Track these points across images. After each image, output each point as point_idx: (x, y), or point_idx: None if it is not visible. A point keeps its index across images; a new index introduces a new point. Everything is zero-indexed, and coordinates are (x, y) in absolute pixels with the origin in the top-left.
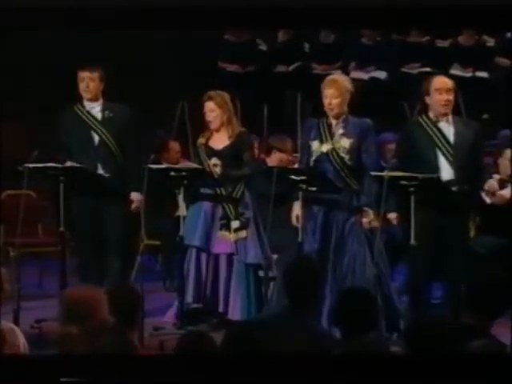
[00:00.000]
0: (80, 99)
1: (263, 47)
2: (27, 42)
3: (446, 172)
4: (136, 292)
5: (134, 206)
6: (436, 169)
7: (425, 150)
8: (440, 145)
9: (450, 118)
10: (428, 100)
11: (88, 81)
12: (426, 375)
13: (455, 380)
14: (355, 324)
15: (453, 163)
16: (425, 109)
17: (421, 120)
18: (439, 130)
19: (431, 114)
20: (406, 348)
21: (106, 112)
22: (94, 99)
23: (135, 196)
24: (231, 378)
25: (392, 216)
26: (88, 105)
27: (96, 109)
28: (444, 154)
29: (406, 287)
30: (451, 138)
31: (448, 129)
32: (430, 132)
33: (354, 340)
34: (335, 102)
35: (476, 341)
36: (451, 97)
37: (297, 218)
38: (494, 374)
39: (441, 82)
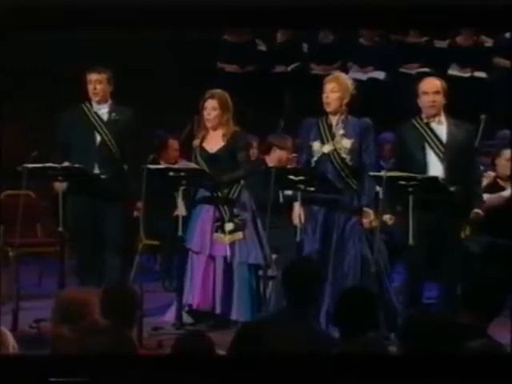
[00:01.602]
0: (89, 99)
1: (262, 47)
2: (27, 42)
3: (439, 172)
4: (134, 291)
5: (137, 213)
6: (428, 169)
7: (418, 151)
8: (432, 144)
9: (443, 118)
10: (419, 102)
11: (95, 83)
12: (424, 375)
13: (453, 380)
14: (354, 324)
15: (445, 163)
16: (418, 110)
17: (414, 122)
18: (432, 130)
19: (423, 116)
20: (401, 348)
21: (113, 114)
22: (102, 101)
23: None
24: (230, 379)
25: (386, 217)
26: (96, 106)
27: (103, 110)
28: (437, 154)
29: (403, 287)
30: (443, 138)
31: (440, 129)
32: (423, 133)
33: (352, 340)
34: (332, 96)
35: (474, 341)
36: (438, 98)
37: (299, 217)
38: (491, 374)
39: (427, 84)
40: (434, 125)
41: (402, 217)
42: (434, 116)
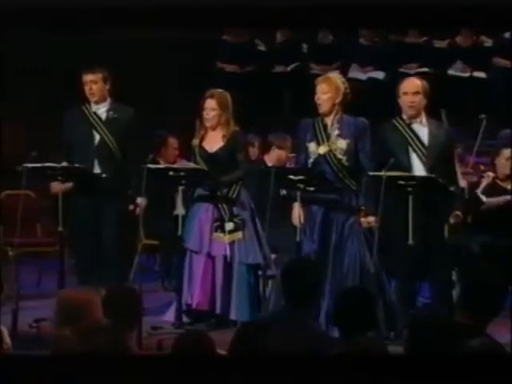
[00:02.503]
0: (88, 100)
1: (262, 47)
2: (27, 42)
3: (420, 172)
4: (135, 293)
5: (139, 210)
6: (413, 171)
7: (401, 153)
8: (414, 146)
9: (424, 119)
10: (399, 102)
11: (91, 84)
12: (424, 375)
13: (453, 379)
14: (354, 324)
15: (426, 164)
16: (399, 111)
17: (395, 122)
18: (413, 131)
19: (404, 116)
20: (406, 348)
21: (111, 113)
22: (99, 101)
23: (140, 201)
24: (229, 378)
25: (371, 219)
26: (95, 106)
27: (102, 109)
28: (418, 156)
29: (400, 287)
30: (425, 139)
31: (421, 130)
32: (406, 135)
33: (352, 339)
34: (323, 97)
35: (473, 340)
36: (417, 98)
37: (299, 217)
38: (490, 373)
39: (407, 84)
40: (415, 126)
41: (397, 216)
42: (415, 117)
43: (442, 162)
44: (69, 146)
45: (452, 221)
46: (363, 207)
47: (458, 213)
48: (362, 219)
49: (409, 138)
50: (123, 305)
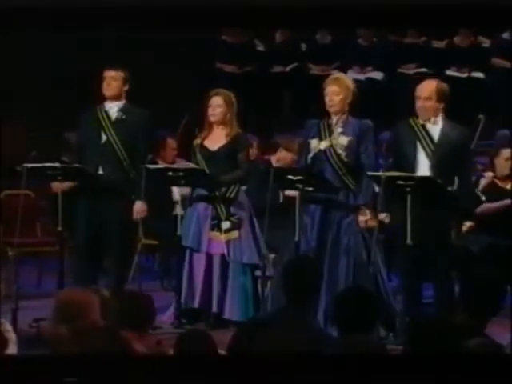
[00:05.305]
0: (102, 100)
1: (261, 48)
2: (28, 41)
3: (424, 170)
4: (150, 299)
5: (137, 215)
6: (418, 168)
7: (410, 150)
8: (423, 143)
9: (439, 119)
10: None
11: (110, 80)
12: (423, 374)
13: (452, 379)
14: (354, 324)
15: (433, 162)
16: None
17: (411, 121)
18: (425, 129)
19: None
20: (405, 348)
21: (120, 113)
22: (113, 98)
23: (139, 205)
24: (230, 377)
25: (383, 216)
26: (108, 104)
27: (114, 109)
28: (426, 153)
29: (400, 287)
30: (435, 137)
31: (434, 130)
32: (418, 132)
33: (351, 339)
34: (337, 98)
35: (472, 340)
36: (429, 104)
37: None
38: (489, 373)
39: (421, 88)
40: (429, 125)
41: (397, 216)
42: (429, 118)
43: (451, 161)
44: (80, 146)
45: (464, 229)
46: (362, 207)
47: (471, 223)
48: (361, 218)
49: (420, 136)
50: (138, 312)
